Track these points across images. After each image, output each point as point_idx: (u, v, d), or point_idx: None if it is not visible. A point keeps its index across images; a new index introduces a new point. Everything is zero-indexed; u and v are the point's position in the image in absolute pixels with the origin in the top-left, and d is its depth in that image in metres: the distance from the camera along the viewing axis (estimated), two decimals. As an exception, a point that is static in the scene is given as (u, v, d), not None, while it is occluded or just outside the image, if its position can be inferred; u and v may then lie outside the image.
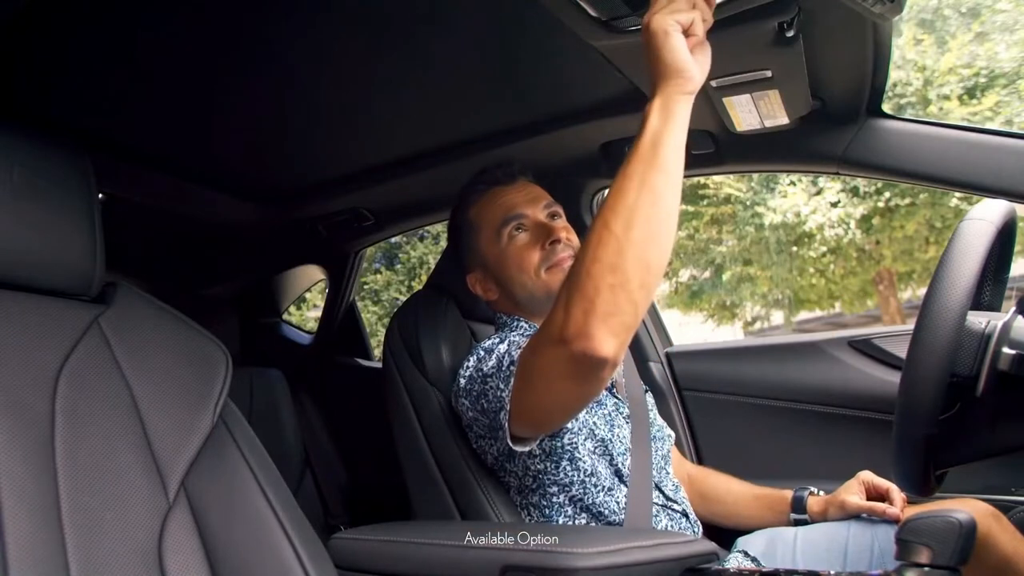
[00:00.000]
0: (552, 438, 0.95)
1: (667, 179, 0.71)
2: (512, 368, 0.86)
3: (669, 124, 0.72)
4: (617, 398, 1.06)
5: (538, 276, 1.02)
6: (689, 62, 0.71)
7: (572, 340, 0.71)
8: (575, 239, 1.06)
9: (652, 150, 0.71)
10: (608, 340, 0.70)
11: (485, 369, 0.92)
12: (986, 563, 0.84)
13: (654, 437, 1.06)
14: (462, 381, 0.97)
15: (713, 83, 1.05)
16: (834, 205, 7.07)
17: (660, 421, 1.15)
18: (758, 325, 9.46)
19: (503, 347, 0.93)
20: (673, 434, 1.17)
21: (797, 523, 1.07)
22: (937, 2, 6.62)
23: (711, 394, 1.46)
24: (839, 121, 1.18)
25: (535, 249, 1.03)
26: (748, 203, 7.47)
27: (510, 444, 0.88)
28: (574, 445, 0.95)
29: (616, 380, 1.08)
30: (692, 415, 1.48)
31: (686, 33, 0.72)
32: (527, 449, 0.91)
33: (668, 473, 1.07)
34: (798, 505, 1.08)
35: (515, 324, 1.06)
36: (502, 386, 0.87)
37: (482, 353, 0.96)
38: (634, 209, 0.70)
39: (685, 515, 1.03)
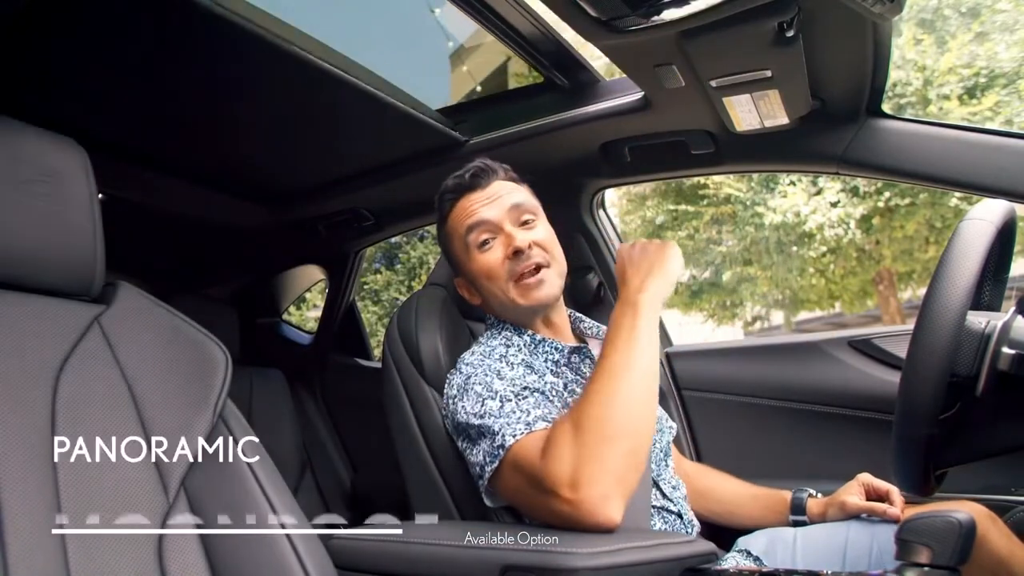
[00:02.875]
0: None
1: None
2: (498, 451, 0.84)
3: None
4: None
5: (507, 288, 0.99)
6: None
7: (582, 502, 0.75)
8: (548, 246, 1.01)
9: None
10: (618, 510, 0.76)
11: (460, 419, 0.91)
12: (981, 565, 0.84)
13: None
14: (443, 402, 0.98)
15: (713, 83, 1.05)
16: (834, 205, 7.06)
17: (660, 412, 1.14)
18: (758, 325, 9.46)
19: (473, 395, 0.90)
20: (675, 425, 1.16)
21: (796, 524, 1.07)
22: (937, 2, 6.61)
23: (711, 394, 1.46)
24: (839, 121, 1.18)
25: (500, 260, 0.99)
26: (748, 203, 7.46)
27: (487, 502, 0.89)
28: None
29: None
30: (692, 415, 1.48)
31: None
32: (503, 505, 0.91)
33: (668, 467, 1.06)
34: (797, 507, 1.08)
35: (500, 328, 1.05)
36: (482, 457, 0.86)
37: (459, 383, 0.94)
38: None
39: (680, 516, 1.02)
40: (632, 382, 0.81)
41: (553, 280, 1.00)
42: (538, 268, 0.99)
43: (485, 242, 1.01)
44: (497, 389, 0.89)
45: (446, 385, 0.99)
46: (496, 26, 1.12)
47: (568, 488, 0.76)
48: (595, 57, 1.20)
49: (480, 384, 0.91)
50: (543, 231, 1.02)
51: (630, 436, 0.78)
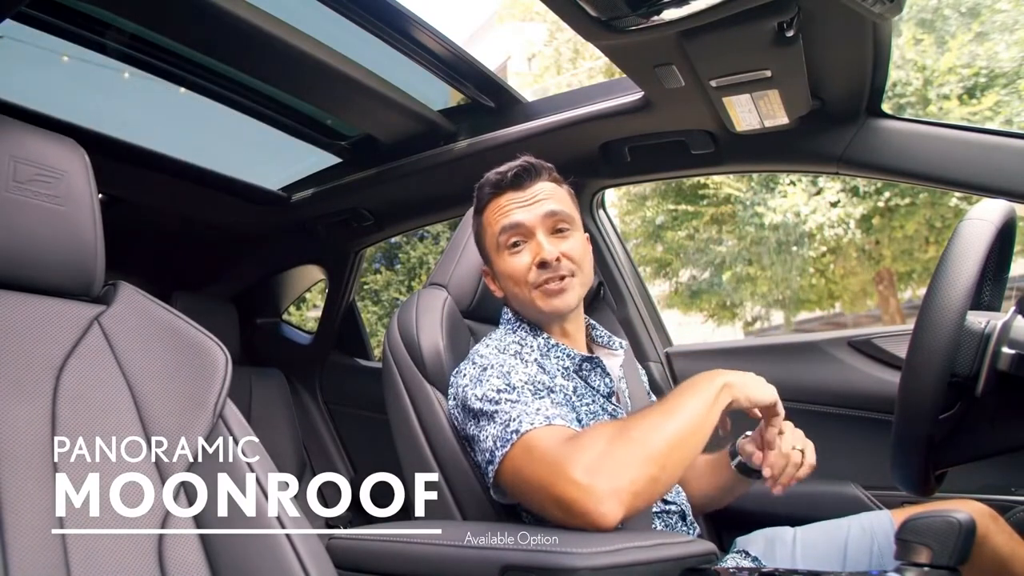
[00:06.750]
0: None
1: None
2: (512, 436, 0.84)
3: None
4: (616, 406, 1.05)
5: (530, 293, 1.00)
6: None
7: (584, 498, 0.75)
8: (577, 257, 1.00)
9: None
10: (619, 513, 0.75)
11: (472, 405, 0.91)
12: (983, 564, 0.84)
13: None
14: (451, 391, 0.97)
15: (713, 83, 1.05)
16: (834, 205, 7.07)
17: None
18: (758, 325, 9.46)
19: (488, 385, 0.90)
20: None
21: (740, 468, 1.03)
22: (937, 2, 6.61)
23: (711, 394, 1.46)
24: (839, 121, 1.18)
25: (527, 266, 0.99)
26: (748, 203, 7.47)
27: (493, 496, 0.89)
28: None
29: (615, 388, 1.06)
30: (692, 415, 1.48)
31: None
32: (511, 503, 0.90)
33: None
34: (733, 454, 1.05)
35: (515, 327, 1.05)
36: (492, 443, 0.86)
37: (474, 374, 0.94)
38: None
39: (682, 516, 1.02)
40: (691, 429, 0.81)
41: (575, 290, 1.00)
42: (562, 279, 0.99)
43: (515, 244, 1.00)
44: (514, 383, 0.89)
45: (455, 375, 0.99)
46: (417, 55, 1.21)
47: (585, 472, 0.75)
48: (596, 57, 1.21)
49: (497, 376, 0.91)
50: (575, 241, 1.01)
51: (664, 468, 0.78)
